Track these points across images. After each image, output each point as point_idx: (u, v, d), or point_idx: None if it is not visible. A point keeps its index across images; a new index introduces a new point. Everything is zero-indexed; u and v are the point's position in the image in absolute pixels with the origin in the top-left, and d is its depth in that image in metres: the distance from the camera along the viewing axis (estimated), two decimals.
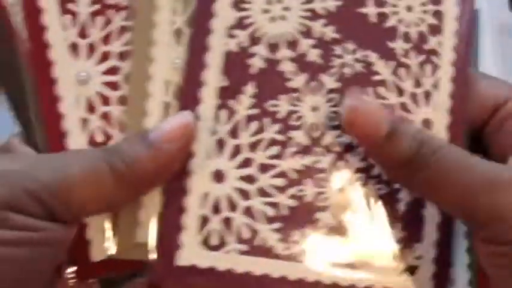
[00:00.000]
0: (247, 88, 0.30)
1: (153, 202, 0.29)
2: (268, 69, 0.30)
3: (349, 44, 0.31)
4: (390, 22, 0.32)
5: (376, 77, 0.32)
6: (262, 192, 0.30)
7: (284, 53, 0.31)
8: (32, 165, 0.26)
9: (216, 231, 0.29)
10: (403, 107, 0.32)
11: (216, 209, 0.30)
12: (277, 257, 0.30)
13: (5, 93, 0.30)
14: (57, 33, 0.29)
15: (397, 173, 0.30)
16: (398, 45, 0.32)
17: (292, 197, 0.31)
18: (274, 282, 0.30)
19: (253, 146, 0.30)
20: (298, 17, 0.31)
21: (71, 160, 0.26)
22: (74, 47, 0.29)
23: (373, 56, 0.32)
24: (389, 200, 0.32)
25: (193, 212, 0.29)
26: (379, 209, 0.31)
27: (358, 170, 0.31)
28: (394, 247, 0.31)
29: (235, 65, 0.30)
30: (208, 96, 0.30)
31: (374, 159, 0.31)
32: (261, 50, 0.30)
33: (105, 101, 0.30)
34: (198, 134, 0.29)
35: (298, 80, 0.31)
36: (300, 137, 0.31)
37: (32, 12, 0.29)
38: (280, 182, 0.30)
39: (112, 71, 0.30)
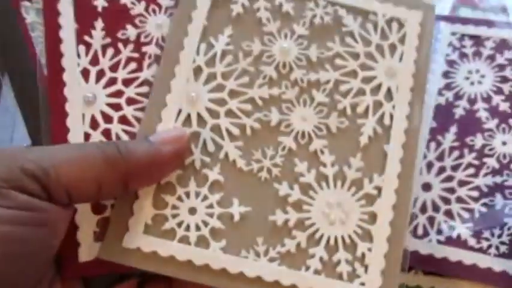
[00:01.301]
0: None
1: (143, 210, 0.31)
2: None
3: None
4: None
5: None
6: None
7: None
8: (26, 149, 0.27)
9: None
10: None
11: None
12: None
13: (22, 110, 0.35)
14: (72, 59, 0.34)
15: None
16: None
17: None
18: None
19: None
20: None
21: (63, 146, 0.29)
22: (85, 72, 0.34)
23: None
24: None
25: None
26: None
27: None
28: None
29: None
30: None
31: None
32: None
33: (108, 119, 0.34)
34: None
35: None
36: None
37: (53, 42, 0.34)
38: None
39: (116, 94, 0.34)
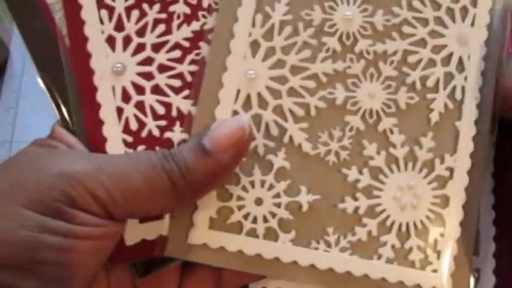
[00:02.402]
0: None
1: (207, 203, 0.30)
2: None
3: None
4: None
5: None
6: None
7: None
8: (97, 168, 0.26)
9: None
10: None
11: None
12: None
13: (47, 85, 0.32)
14: (95, 27, 0.30)
15: None
16: None
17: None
18: None
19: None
20: None
21: (130, 166, 0.27)
22: (110, 40, 0.31)
23: None
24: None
25: None
26: None
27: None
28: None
29: None
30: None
31: None
32: None
33: (140, 90, 0.31)
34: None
35: None
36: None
37: (72, 9, 0.30)
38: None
39: (146, 61, 0.31)
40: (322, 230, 0.31)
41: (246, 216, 0.30)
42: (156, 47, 0.31)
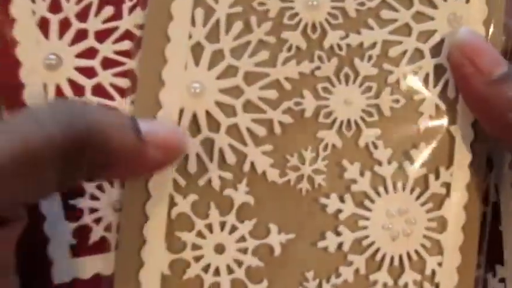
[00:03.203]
0: None
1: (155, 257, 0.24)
2: None
3: None
4: None
5: None
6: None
7: None
8: None
9: None
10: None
11: None
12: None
13: None
14: (23, 5, 0.24)
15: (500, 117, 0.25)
16: None
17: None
18: None
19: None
20: None
21: None
22: (43, 24, 0.24)
23: None
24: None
25: None
26: None
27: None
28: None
29: None
30: None
31: (471, 98, 0.26)
32: None
33: (78, 90, 0.25)
34: None
35: None
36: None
37: None
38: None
39: (88, 53, 0.25)
40: (300, 276, 0.25)
41: (206, 269, 0.25)
42: (101, 36, 0.25)
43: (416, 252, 0.26)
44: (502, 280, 0.28)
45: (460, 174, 0.26)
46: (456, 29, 0.26)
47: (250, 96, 0.25)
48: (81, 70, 0.25)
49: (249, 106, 0.25)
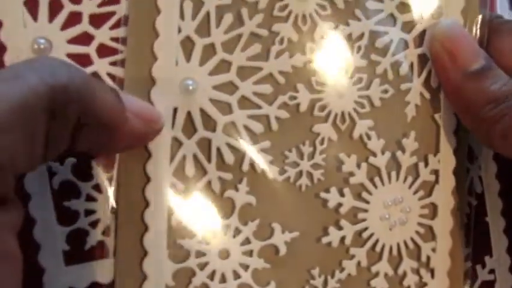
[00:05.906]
0: None
1: (158, 269, 0.23)
2: None
3: None
4: None
5: None
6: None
7: None
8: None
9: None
10: None
11: None
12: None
13: None
14: None
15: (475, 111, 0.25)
16: None
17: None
18: None
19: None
20: None
21: None
22: (31, 4, 0.22)
23: None
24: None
25: None
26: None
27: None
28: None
29: None
30: None
31: (449, 89, 0.26)
32: None
33: None
34: None
35: None
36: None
37: None
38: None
39: (82, 39, 0.23)
40: (306, 274, 0.25)
41: (211, 276, 0.23)
42: (97, 20, 0.23)
43: (412, 239, 0.26)
44: (492, 271, 0.29)
45: (446, 160, 0.27)
46: (437, 20, 0.26)
47: (245, 92, 0.24)
48: (74, 57, 0.23)
49: (244, 102, 0.24)
